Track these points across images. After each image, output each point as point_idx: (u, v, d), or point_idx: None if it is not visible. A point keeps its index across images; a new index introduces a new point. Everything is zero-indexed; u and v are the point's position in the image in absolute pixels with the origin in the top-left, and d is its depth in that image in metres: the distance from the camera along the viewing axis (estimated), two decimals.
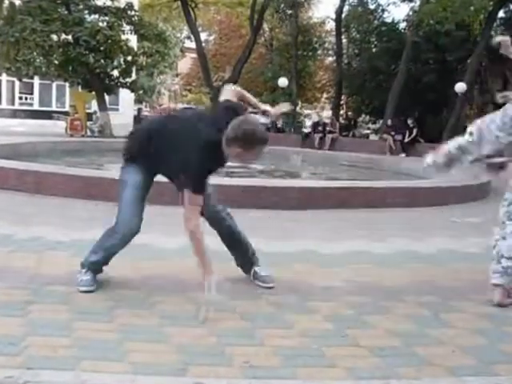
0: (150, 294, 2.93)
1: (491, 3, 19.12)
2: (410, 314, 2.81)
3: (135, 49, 22.57)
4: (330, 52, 32.14)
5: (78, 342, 2.26)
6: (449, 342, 2.45)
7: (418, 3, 22.80)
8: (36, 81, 28.69)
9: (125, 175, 2.96)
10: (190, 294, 2.96)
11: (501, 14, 22.22)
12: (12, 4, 20.53)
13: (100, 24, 20.29)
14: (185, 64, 41.64)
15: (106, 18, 20.76)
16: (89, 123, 21.67)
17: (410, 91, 22.06)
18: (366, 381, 2.06)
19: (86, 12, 20.94)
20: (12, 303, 2.66)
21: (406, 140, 18.34)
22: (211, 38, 38.36)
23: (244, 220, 3.93)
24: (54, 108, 31.65)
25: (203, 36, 32.49)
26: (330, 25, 30.65)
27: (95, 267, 3.01)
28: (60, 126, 21.34)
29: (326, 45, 32.45)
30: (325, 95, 35.37)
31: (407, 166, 12.11)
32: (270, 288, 3.13)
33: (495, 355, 2.34)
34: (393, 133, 18.76)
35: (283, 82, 22.57)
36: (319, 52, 32.18)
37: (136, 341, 2.31)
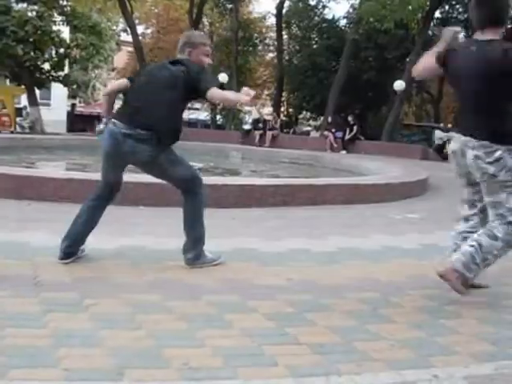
0: (83, 296, 2.86)
1: (428, 3, 19.80)
2: (350, 311, 2.87)
3: (68, 41, 22.00)
4: (271, 48, 32.41)
5: (7, 350, 2.18)
6: (388, 337, 2.52)
7: (357, 1, 23.32)
8: None
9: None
10: (124, 295, 2.92)
11: (437, 14, 23.07)
12: None
13: (29, 14, 19.64)
14: (121, 58, 40.88)
15: (36, 8, 20.11)
16: (18, 119, 20.96)
17: (350, 88, 22.55)
18: (306, 378, 2.09)
19: (13, 0, 20.21)
20: None
21: (347, 137, 18.75)
22: (149, 31, 37.82)
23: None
24: None
25: (140, 29, 31.99)
26: (271, 20, 30.91)
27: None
28: None
29: (267, 41, 32.71)
30: (266, 92, 35.63)
31: (348, 163, 12.39)
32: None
33: (432, 348, 2.42)
34: (333, 130, 19.14)
35: (223, 77, 22.54)
36: (260, 48, 32.41)
37: (70, 346, 2.26)
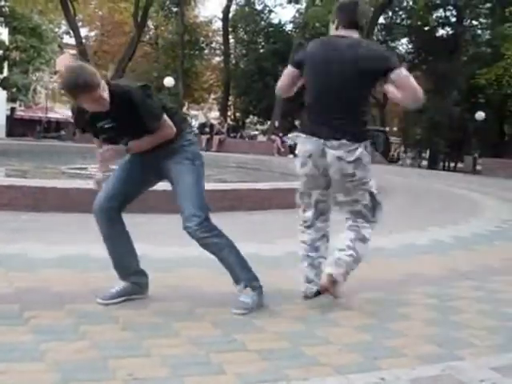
0: (23, 308, 2.76)
1: (372, 9, 20.26)
2: (298, 316, 2.88)
3: (7, 43, 21.35)
4: (218, 52, 32.43)
5: None
6: (335, 341, 2.54)
7: (304, 5, 23.64)
8: None
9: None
10: (67, 306, 2.83)
11: (381, 19, 23.65)
12: None
13: None
14: (64, 61, 39.97)
15: None
16: None
17: (297, 93, 22.73)
18: None
19: None
20: None
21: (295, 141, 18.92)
22: (92, 34, 37.16)
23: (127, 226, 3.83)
24: None
25: (84, 32, 31.38)
26: (218, 24, 30.92)
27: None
28: None
29: (214, 44, 32.72)
30: (212, 96, 35.58)
31: (295, 167, 12.48)
32: None
33: (379, 351, 2.45)
34: (281, 134, 19.29)
35: (169, 81, 22.41)
36: (206, 52, 32.37)
37: (9, 361, 2.17)
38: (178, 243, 4.44)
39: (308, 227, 3.21)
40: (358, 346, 2.50)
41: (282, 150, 18.57)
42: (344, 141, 2.93)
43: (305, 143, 3.07)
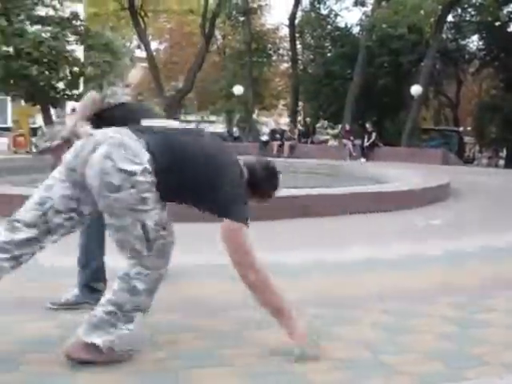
0: None
1: (440, 7, 19.71)
2: (375, 323, 2.81)
3: (82, 59, 22.26)
4: (285, 58, 32.47)
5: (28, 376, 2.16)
6: (416, 349, 2.46)
7: (370, 8, 23.32)
8: None
9: None
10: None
11: (450, 17, 22.96)
12: None
13: (43, 35, 19.91)
14: (136, 74, 41.30)
15: (50, 29, 20.38)
16: (33, 139, 21.20)
17: (366, 95, 22.47)
18: None
19: (28, 23, 20.53)
20: None
21: (366, 144, 18.64)
22: (162, 46, 38.17)
23: (200, 234, 3.90)
24: None
25: (154, 45, 32.31)
26: (284, 31, 30.99)
27: None
28: (1, 142, 20.60)
29: (281, 51, 32.77)
30: (282, 102, 35.64)
31: (367, 171, 12.30)
32: None
33: (463, 359, 2.35)
34: (352, 137, 19.05)
35: (238, 89, 22.67)
36: (274, 58, 32.48)
37: (91, 370, 2.23)
38: None
39: None
40: (440, 353, 2.40)
41: (354, 153, 18.33)
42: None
43: None
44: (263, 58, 30.33)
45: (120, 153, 2.20)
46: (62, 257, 3.69)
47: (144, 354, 2.37)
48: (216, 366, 2.26)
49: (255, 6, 30.78)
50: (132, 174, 2.18)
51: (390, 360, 2.32)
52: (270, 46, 31.60)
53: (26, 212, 2.34)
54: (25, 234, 2.29)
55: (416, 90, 19.22)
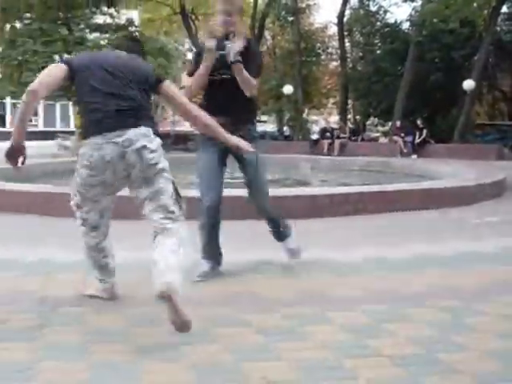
0: (160, 311, 2.89)
1: None
2: (431, 320, 2.76)
3: None
4: (334, 56, 32.19)
5: (93, 365, 2.23)
6: (473, 347, 2.40)
7: (420, 3, 22.81)
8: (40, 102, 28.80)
9: None
10: (201, 310, 2.92)
11: (504, 8, 22.17)
12: (13, 27, 20.80)
13: (102, 42, 20.48)
14: (188, 76, 41.77)
15: (107, 36, 20.94)
16: None
17: (417, 91, 22.02)
18: None
19: (87, 31, 21.14)
20: (22, 328, 2.65)
21: (417, 141, 18.28)
22: None
23: (254, 231, 3.92)
24: (58, 128, 31.91)
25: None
26: (333, 29, 30.73)
27: None
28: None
29: (330, 49, 32.51)
30: (331, 100, 35.37)
31: (419, 168, 12.06)
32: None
33: None
34: (402, 134, 18.71)
35: (288, 89, 22.64)
36: (323, 57, 32.24)
37: (151, 361, 2.28)
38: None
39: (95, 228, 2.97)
40: (497, 352, 2.33)
41: (405, 150, 18.00)
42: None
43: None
44: (312, 57, 30.14)
45: None
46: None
47: (198, 346, 2.41)
48: (268, 360, 2.27)
49: (304, 5, 30.65)
50: None
51: (445, 358, 2.27)
52: (318, 45, 31.39)
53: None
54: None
55: (468, 84, 18.70)
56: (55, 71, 2.83)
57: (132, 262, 3.74)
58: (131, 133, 2.70)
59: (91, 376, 2.13)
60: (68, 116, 32.65)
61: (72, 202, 2.96)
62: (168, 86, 2.92)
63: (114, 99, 2.74)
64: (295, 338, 2.53)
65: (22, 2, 19.60)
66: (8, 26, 20.62)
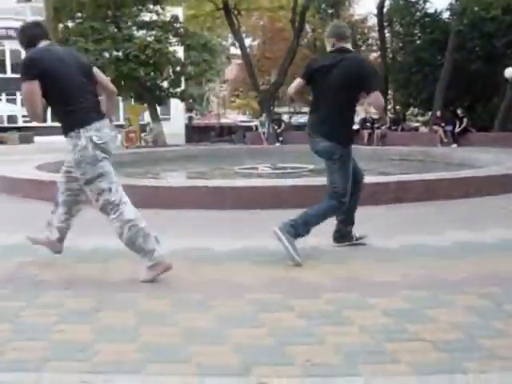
0: (208, 297, 2.94)
1: None
2: (472, 306, 2.71)
3: (183, 59, 22.92)
4: (374, 47, 31.67)
5: (143, 347, 2.29)
6: None
7: None
8: None
9: None
10: (247, 295, 2.96)
11: None
12: (66, 26, 21.25)
13: (148, 38, 20.72)
14: (231, 70, 41.97)
15: (154, 32, 21.16)
16: (143, 134, 22.16)
17: (457, 81, 21.45)
18: (431, 376, 1.99)
19: (135, 28, 21.41)
20: (81, 310, 2.74)
21: (457, 130, 17.83)
22: (255, 42, 38.46)
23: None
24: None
25: (247, 41, 32.64)
26: (373, 20, 30.23)
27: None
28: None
29: (370, 41, 32.01)
30: None
31: (460, 156, 11.79)
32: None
33: None
34: (443, 124, 18.29)
35: None
36: (363, 48, 31.77)
37: (199, 343, 2.33)
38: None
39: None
40: None
41: (445, 139, 17.59)
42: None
43: None
44: (352, 48, 29.74)
45: None
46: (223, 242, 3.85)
47: (244, 330, 2.44)
48: (312, 344, 2.28)
49: None
50: None
51: (486, 343, 2.24)
52: (358, 36, 30.95)
53: None
54: None
55: (509, 72, 18.08)
56: None
57: (178, 250, 3.81)
58: None
59: (142, 356, 2.19)
60: (118, 110, 33.20)
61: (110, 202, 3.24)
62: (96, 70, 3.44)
63: None
64: (337, 323, 2.54)
65: (74, 1, 20.01)
66: (61, 26, 21.08)
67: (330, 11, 27.81)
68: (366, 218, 5.34)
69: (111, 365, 2.11)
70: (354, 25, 31.18)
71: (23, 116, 31.35)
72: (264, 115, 22.41)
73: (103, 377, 2.01)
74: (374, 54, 32.43)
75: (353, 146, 3.90)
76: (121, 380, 2.01)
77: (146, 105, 22.69)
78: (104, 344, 2.32)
